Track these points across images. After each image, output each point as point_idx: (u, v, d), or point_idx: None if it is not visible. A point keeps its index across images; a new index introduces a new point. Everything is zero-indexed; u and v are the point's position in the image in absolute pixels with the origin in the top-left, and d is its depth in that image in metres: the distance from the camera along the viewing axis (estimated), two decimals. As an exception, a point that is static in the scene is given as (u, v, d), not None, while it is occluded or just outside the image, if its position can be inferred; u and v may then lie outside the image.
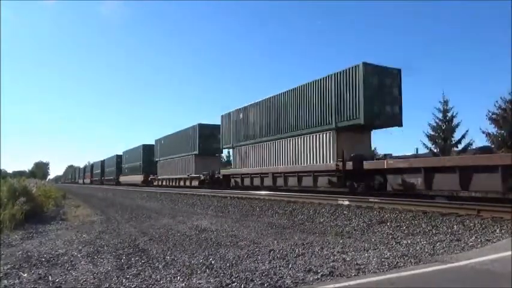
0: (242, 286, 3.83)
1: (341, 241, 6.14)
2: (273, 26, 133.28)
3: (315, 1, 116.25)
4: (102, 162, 54.45)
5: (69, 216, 12.08)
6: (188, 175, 28.01)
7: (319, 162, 15.48)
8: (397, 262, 4.56)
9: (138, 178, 35.73)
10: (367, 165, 13.25)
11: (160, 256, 5.38)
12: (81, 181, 68.72)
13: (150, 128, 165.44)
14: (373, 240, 6.23)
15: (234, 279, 4.04)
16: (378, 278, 3.85)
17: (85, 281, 4.27)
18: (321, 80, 15.80)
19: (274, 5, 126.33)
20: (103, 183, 47.79)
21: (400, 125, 14.78)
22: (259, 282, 3.93)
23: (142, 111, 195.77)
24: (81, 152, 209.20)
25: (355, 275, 4.05)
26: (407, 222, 7.71)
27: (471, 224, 7.05)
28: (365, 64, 13.95)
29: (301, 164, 16.56)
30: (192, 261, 4.97)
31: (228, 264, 4.73)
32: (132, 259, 5.24)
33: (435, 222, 7.46)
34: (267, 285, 3.83)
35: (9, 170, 76.02)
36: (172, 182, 31.14)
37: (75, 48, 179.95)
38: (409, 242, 5.91)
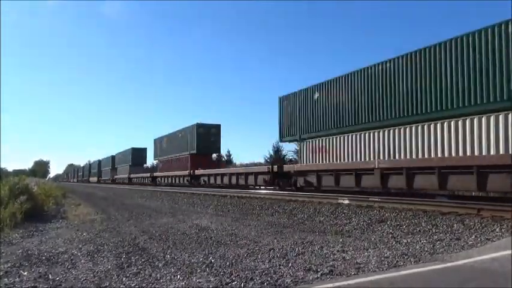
0: (242, 285, 3.84)
1: (341, 240, 6.14)
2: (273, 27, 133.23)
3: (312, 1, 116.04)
4: (84, 167, 79.27)
5: (69, 215, 12.10)
6: (110, 177, 51.83)
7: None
8: (397, 261, 4.57)
9: (95, 179, 60.56)
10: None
11: (160, 255, 5.39)
12: (71, 180, 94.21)
13: (153, 126, 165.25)
14: (372, 239, 6.23)
15: (233, 278, 4.04)
16: (377, 277, 3.85)
17: (85, 279, 4.28)
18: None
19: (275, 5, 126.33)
20: (83, 182, 71.17)
21: None
22: (259, 281, 3.93)
23: (143, 110, 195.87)
24: (83, 150, 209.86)
25: (354, 274, 4.06)
26: (407, 221, 7.71)
27: (471, 223, 7.05)
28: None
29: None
30: (192, 260, 4.98)
31: (227, 263, 4.74)
32: (132, 258, 5.24)
33: (435, 221, 7.47)
34: (267, 284, 3.83)
35: (10, 169, 76.83)
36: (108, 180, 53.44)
37: (76, 48, 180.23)
38: (409, 241, 5.92)
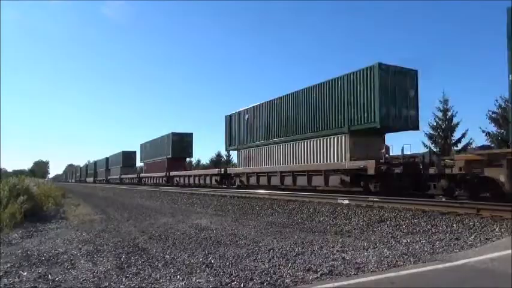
0: (242, 285, 3.84)
1: (340, 240, 6.15)
2: (273, 27, 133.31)
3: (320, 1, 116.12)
4: (81, 168, 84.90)
5: (69, 215, 12.09)
6: (104, 178, 55.15)
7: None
8: (397, 261, 4.57)
9: (91, 179, 65.57)
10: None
11: (160, 255, 5.39)
12: (70, 180, 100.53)
13: (152, 125, 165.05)
14: (372, 239, 6.23)
15: (233, 278, 4.04)
16: (377, 277, 3.86)
17: (85, 279, 4.27)
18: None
19: (276, 5, 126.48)
20: (80, 182, 76.37)
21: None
22: (259, 281, 3.93)
23: (142, 109, 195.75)
24: (83, 150, 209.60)
25: (354, 274, 4.06)
26: (406, 221, 7.72)
27: (470, 223, 7.06)
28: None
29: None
30: (192, 260, 4.98)
31: (227, 263, 4.74)
32: (132, 258, 5.24)
33: (435, 221, 7.47)
34: (267, 284, 3.83)
35: (9, 169, 76.71)
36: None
37: (76, 48, 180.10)
38: (408, 240, 5.92)
